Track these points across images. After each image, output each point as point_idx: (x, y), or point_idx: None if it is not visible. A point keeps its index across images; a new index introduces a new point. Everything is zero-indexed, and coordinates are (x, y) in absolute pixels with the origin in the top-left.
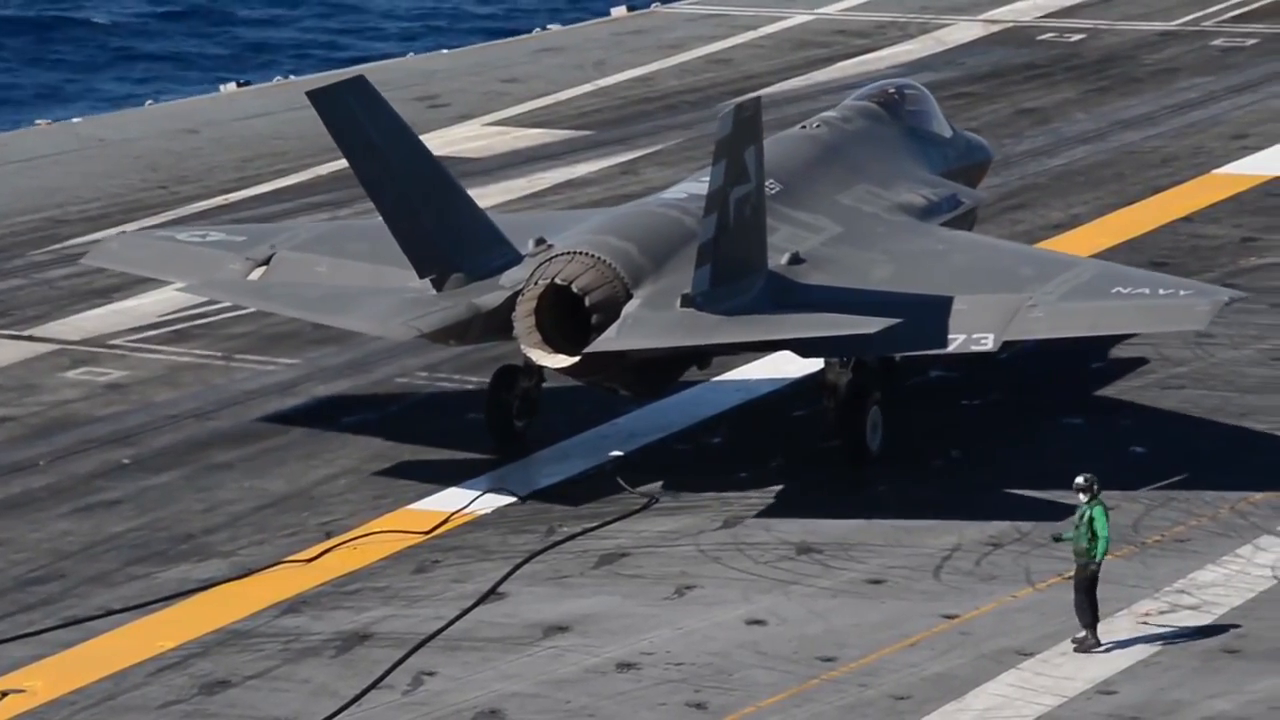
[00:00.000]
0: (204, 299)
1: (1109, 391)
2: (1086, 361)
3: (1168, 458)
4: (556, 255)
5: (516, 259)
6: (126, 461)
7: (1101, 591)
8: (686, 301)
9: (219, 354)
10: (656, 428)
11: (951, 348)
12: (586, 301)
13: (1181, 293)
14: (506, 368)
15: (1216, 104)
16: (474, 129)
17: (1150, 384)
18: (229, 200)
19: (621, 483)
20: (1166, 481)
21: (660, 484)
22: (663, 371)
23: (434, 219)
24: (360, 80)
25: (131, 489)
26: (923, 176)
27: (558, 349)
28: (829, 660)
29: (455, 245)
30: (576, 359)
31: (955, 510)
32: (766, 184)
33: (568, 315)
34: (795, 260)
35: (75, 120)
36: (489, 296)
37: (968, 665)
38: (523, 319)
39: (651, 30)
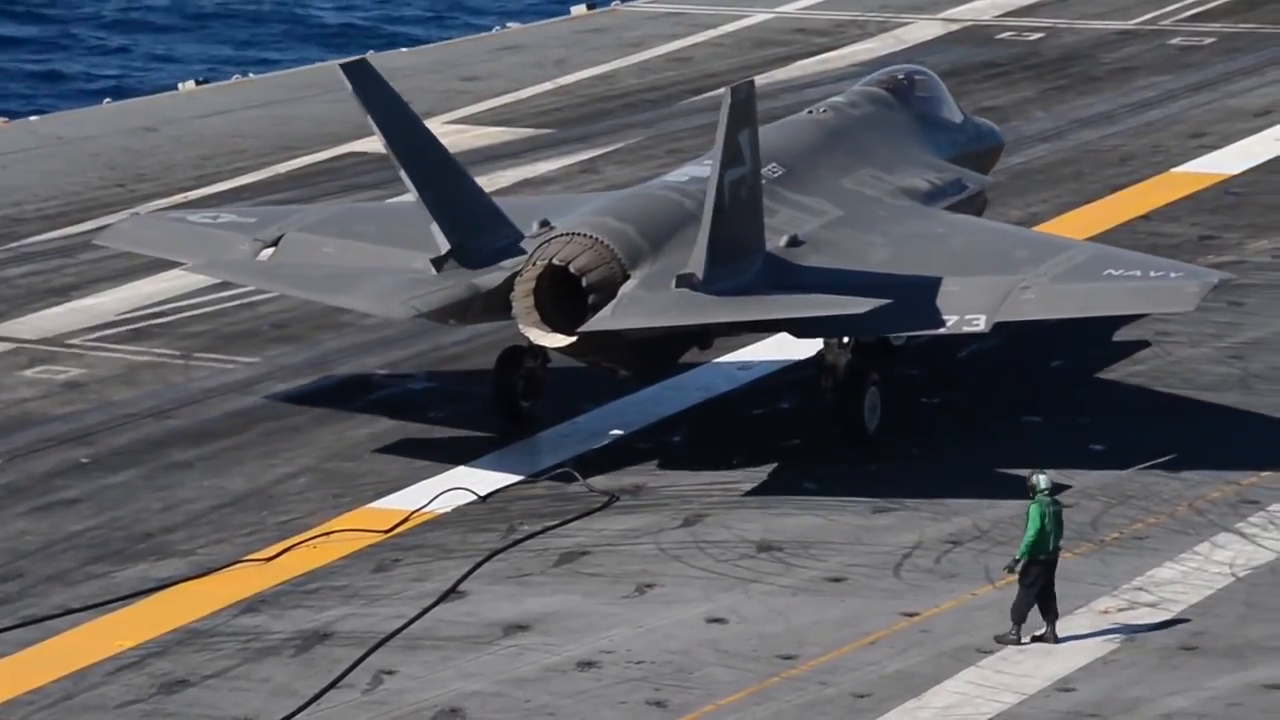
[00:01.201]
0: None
1: (1068, 390)
2: (1046, 360)
3: (1126, 456)
4: (556, 236)
5: (519, 240)
6: (85, 460)
7: (1059, 589)
8: (682, 281)
9: (177, 353)
10: (617, 426)
11: (944, 329)
12: (584, 282)
13: (1172, 275)
14: (512, 349)
15: (1174, 103)
16: (434, 127)
17: (1109, 382)
18: (188, 198)
19: (581, 481)
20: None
21: (621, 482)
22: (663, 352)
23: (453, 196)
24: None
25: (90, 488)
26: (928, 161)
27: (556, 329)
28: (789, 658)
29: (470, 224)
30: (573, 339)
31: (915, 508)
32: (769, 168)
33: (566, 296)
34: (794, 243)
35: (33, 119)
36: (489, 277)
37: (928, 663)
38: (521, 299)
39: (611, 29)
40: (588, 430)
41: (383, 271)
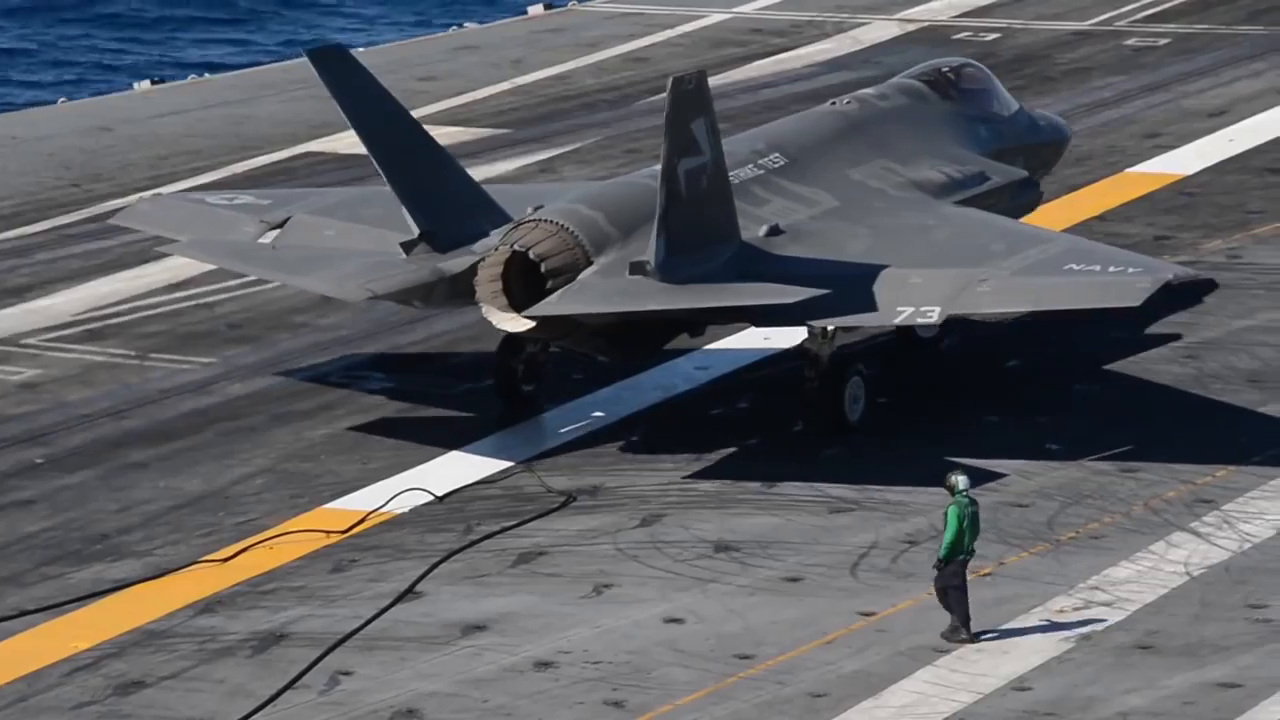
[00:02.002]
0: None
1: (1026, 389)
2: (1004, 359)
3: (1083, 454)
4: (525, 222)
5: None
6: (40, 461)
7: (1015, 588)
8: (635, 269)
9: (133, 353)
10: (575, 426)
11: (898, 320)
12: (542, 267)
13: (1131, 270)
14: (514, 334)
15: (1130, 103)
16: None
17: (1067, 382)
18: (143, 198)
19: (539, 480)
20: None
21: (579, 483)
22: (636, 338)
23: (428, 181)
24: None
25: (45, 489)
26: (956, 154)
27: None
28: (747, 658)
29: (445, 209)
30: (531, 323)
31: (872, 508)
32: (770, 158)
33: (535, 282)
34: (774, 232)
35: None
36: (455, 261)
37: (885, 662)
38: (484, 284)
39: (569, 29)
40: (552, 428)
41: (353, 255)
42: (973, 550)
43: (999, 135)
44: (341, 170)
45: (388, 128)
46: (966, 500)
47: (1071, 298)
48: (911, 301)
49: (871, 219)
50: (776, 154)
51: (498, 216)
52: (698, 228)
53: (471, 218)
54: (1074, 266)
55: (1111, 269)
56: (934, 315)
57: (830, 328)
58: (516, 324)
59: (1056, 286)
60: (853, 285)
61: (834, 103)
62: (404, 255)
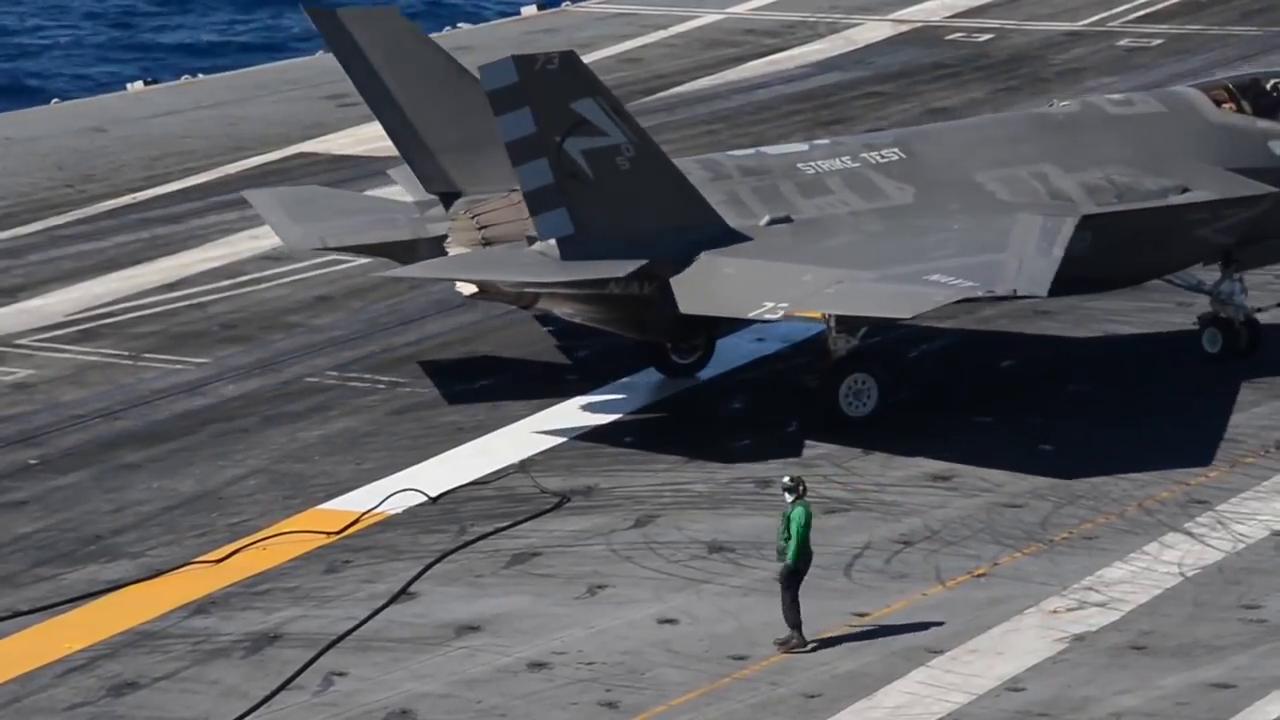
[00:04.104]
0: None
1: (1018, 390)
2: (997, 360)
3: (1077, 455)
4: (501, 193)
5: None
6: (33, 462)
7: (1009, 589)
8: (530, 242)
9: (126, 353)
10: (570, 427)
11: (749, 314)
12: (481, 236)
13: (965, 284)
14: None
15: None
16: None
17: (1060, 382)
18: (136, 199)
19: (533, 481)
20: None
21: (573, 483)
22: (638, 321)
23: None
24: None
25: (38, 489)
26: (1190, 167)
27: None
28: (740, 659)
29: (459, 172)
30: (472, 287)
31: (866, 509)
32: (884, 152)
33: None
34: (776, 221)
35: None
36: (439, 224)
37: (878, 663)
38: (451, 246)
39: (562, 29)
40: (541, 428)
41: (360, 212)
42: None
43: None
44: (334, 171)
45: (386, 88)
46: (804, 502)
47: (858, 306)
48: (774, 298)
49: (916, 219)
50: (895, 149)
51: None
52: (618, 208)
53: (501, 183)
54: (937, 279)
55: (962, 283)
56: (778, 313)
57: (777, 315)
58: (462, 286)
59: (877, 295)
60: (750, 277)
61: (1053, 102)
62: (417, 214)
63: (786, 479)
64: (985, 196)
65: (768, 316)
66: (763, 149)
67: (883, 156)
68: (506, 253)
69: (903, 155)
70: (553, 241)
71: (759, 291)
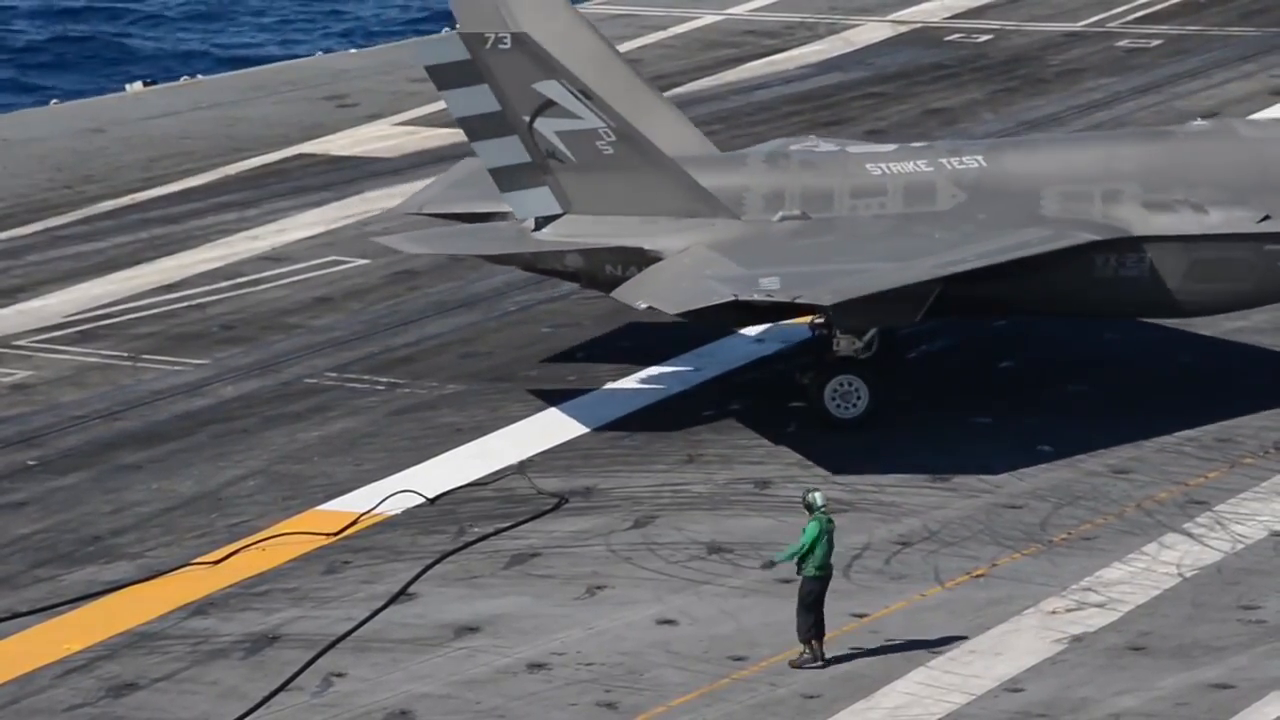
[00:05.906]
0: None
1: (1016, 390)
2: (995, 360)
3: (1076, 456)
4: None
5: None
6: (32, 463)
7: (1008, 590)
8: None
9: (126, 354)
10: (566, 428)
11: (639, 304)
12: None
13: (706, 283)
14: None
15: (1122, 104)
16: (383, 129)
17: (1058, 383)
18: (136, 200)
19: (531, 482)
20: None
21: (571, 484)
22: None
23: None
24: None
25: (37, 490)
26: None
27: None
28: (739, 659)
29: None
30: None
31: (865, 509)
32: (964, 158)
33: None
34: (790, 218)
35: None
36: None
37: (877, 664)
38: None
39: None
40: (538, 430)
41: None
42: (830, 567)
43: None
44: (334, 172)
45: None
46: (826, 518)
47: (646, 297)
48: (655, 291)
49: (919, 225)
50: (979, 157)
51: None
52: (604, 189)
53: None
54: (710, 275)
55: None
56: (641, 305)
57: (641, 306)
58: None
59: (656, 286)
60: (671, 269)
61: (1200, 119)
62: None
63: (810, 495)
64: (1024, 211)
65: (639, 305)
66: (849, 146)
67: (961, 163)
68: (490, 229)
69: (982, 164)
70: (520, 218)
71: (661, 283)
